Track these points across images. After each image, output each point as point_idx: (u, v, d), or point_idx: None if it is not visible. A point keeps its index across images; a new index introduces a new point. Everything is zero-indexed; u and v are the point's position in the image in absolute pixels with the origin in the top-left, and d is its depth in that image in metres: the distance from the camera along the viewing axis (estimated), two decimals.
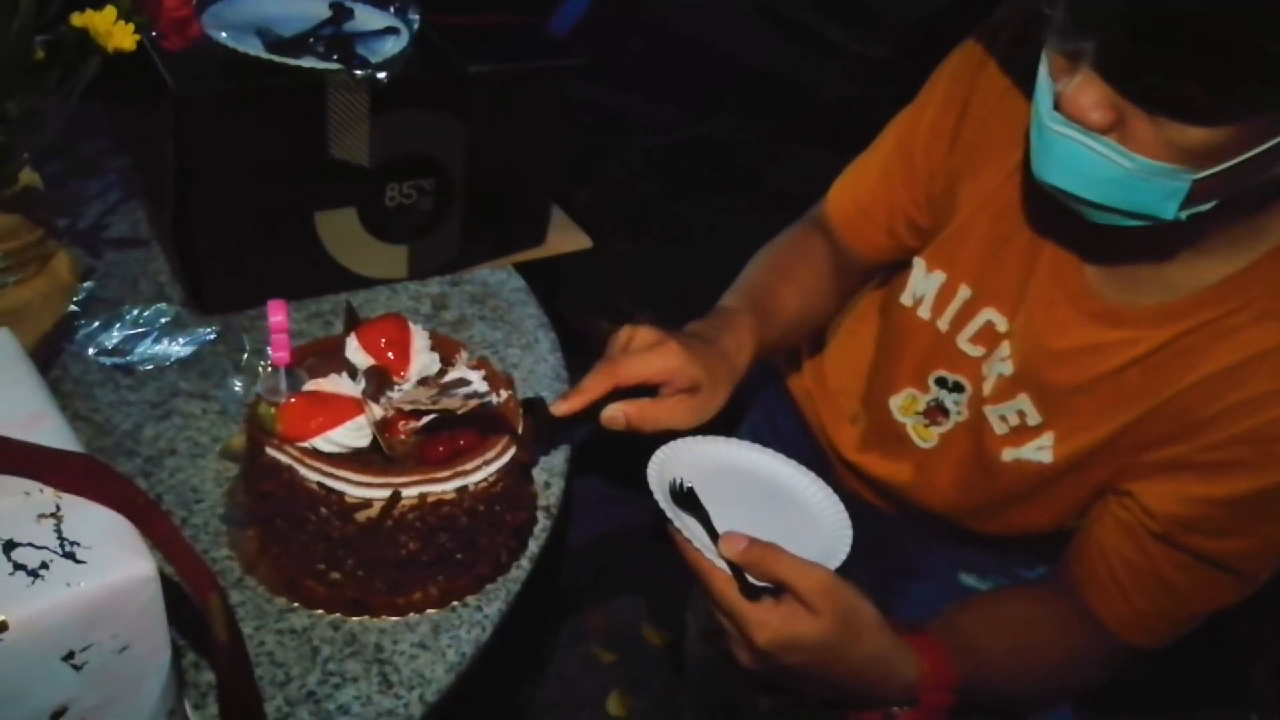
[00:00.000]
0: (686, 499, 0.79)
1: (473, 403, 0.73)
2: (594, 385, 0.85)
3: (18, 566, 0.50)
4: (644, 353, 0.86)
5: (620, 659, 1.79)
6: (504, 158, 1.11)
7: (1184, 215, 0.72)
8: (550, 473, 0.91)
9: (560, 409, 0.85)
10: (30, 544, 0.51)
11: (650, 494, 0.78)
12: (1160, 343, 0.83)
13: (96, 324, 0.96)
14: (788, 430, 1.20)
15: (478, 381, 0.82)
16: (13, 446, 0.56)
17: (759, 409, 1.24)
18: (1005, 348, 0.93)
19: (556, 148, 1.16)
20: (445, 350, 0.84)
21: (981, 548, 1.06)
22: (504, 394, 0.83)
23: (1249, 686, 1.79)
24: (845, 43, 3.37)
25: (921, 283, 1.01)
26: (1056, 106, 0.72)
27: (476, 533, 0.77)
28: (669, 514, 0.76)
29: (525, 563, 0.83)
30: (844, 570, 0.77)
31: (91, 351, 0.94)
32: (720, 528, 0.77)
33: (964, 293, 0.96)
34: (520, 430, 0.80)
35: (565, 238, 1.25)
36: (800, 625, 0.73)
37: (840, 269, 1.10)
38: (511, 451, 0.77)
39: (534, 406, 0.86)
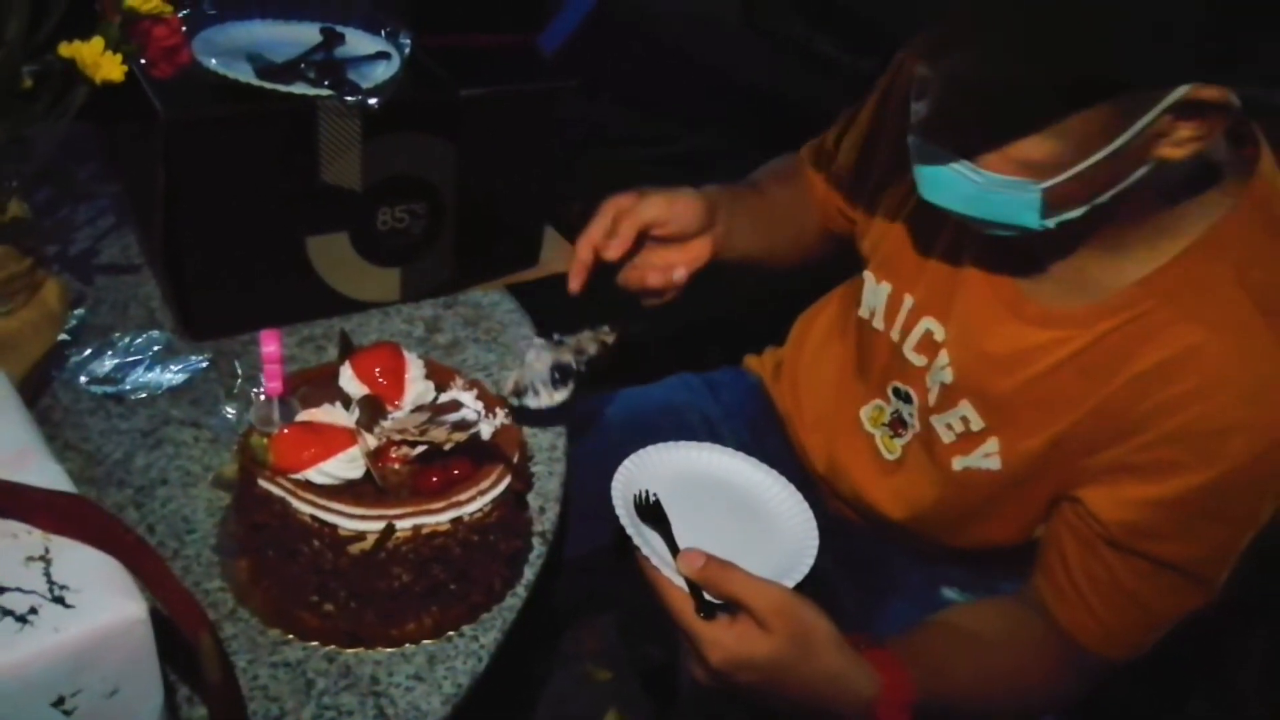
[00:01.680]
0: (652, 511, 0.79)
1: (458, 436, 0.73)
2: (637, 219, 0.96)
3: (5, 612, 0.50)
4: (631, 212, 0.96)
5: (616, 677, 1.78)
6: (496, 179, 1.11)
7: (1052, 224, 0.78)
8: (545, 498, 0.91)
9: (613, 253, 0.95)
10: (19, 589, 0.51)
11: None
12: (1089, 342, 0.84)
13: (88, 351, 0.95)
14: (775, 450, 1.20)
15: (470, 404, 0.81)
16: (0, 487, 0.55)
17: (748, 428, 1.24)
18: (943, 356, 0.95)
19: (548, 167, 1.16)
20: (440, 378, 0.84)
21: (963, 563, 1.06)
22: (499, 414, 0.82)
23: (1236, 691, 1.79)
24: (837, 56, 3.37)
25: (872, 294, 1.03)
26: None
27: (470, 563, 0.76)
28: (629, 531, 0.77)
29: (520, 590, 0.83)
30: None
31: (83, 380, 0.93)
32: (687, 535, 0.78)
33: (908, 302, 0.99)
34: (515, 459, 0.79)
35: (558, 258, 1.24)
36: (753, 645, 0.74)
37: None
38: (506, 481, 0.77)
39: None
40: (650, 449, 0.86)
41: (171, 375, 0.95)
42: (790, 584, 0.76)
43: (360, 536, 0.71)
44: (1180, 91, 0.69)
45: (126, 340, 0.97)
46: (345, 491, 0.73)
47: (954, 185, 0.79)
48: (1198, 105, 0.70)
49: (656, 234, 0.98)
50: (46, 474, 0.59)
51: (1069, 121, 0.72)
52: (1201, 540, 0.81)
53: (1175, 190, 0.79)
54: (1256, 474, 0.78)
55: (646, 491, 0.81)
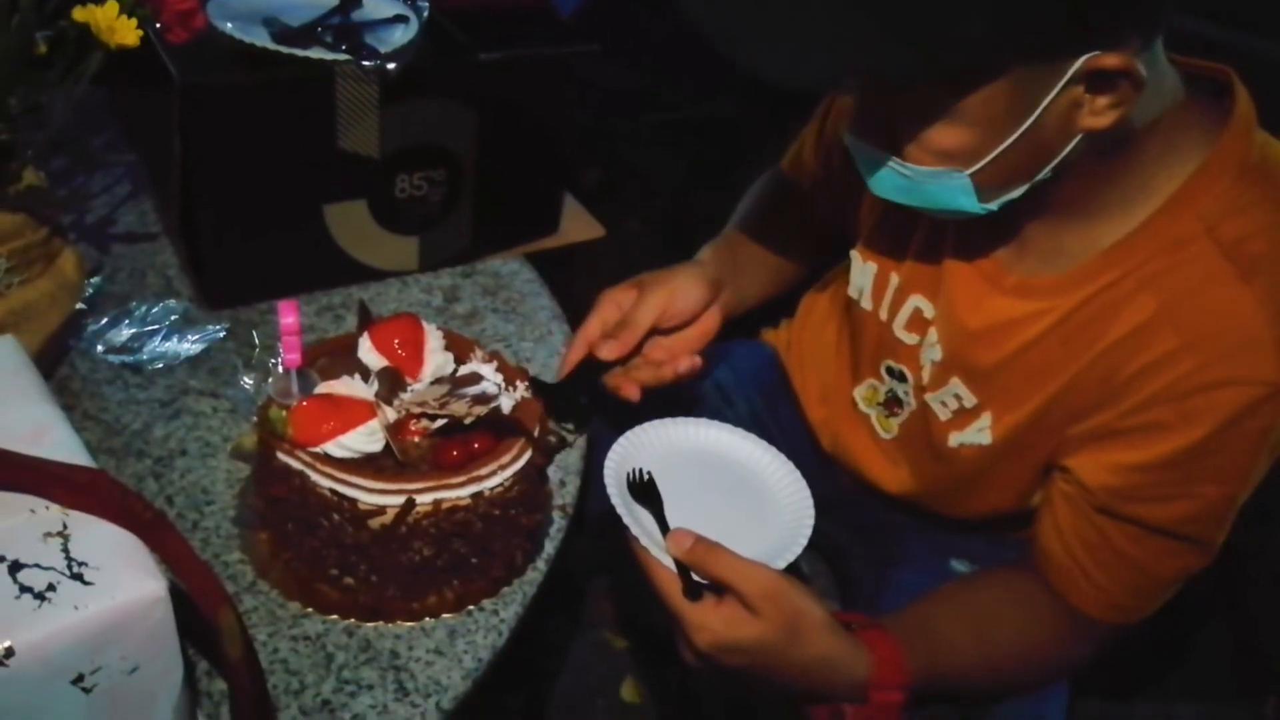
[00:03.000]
0: (645, 489, 0.79)
1: (479, 410, 0.72)
2: (639, 328, 0.91)
3: (24, 589, 0.49)
4: (641, 305, 0.93)
5: (633, 645, 1.78)
6: (515, 145, 1.09)
7: (995, 206, 0.78)
8: (565, 471, 0.90)
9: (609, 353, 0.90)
10: (37, 565, 0.50)
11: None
12: (1068, 311, 0.83)
13: (105, 320, 0.94)
14: (787, 419, 1.19)
15: (490, 376, 0.80)
16: (18, 461, 0.54)
17: (761, 396, 1.23)
18: (933, 333, 0.94)
19: (568, 132, 1.14)
20: (459, 349, 0.83)
21: (971, 533, 1.06)
22: (520, 386, 0.81)
23: (1265, 672, 1.77)
24: None
25: (859, 274, 1.02)
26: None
27: (491, 537, 0.75)
28: (619, 510, 0.76)
29: (541, 564, 0.82)
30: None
31: (100, 349, 0.92)
32: (681, 513, 0.77)
33: (894, 280, 0.98)
34: (536, 432, 0.78)
35: (578, 226, 1.23)
36: (740, 628, 0.73)
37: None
38: (527, 455, 0.76)
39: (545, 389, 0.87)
40: (646, 425, 0.85)
41: (189, 345, 0.94)
42: (783, 564, 0.75)
43: (380, 511, 0.71)
44: (1077, 64, 0.68)
45: (144, 309, 0.96)
46: (365, 465, 0.72)
47: (888, 179, 0.79)
48: (1105, 75, 0.69)
49: (660, 328, 0.94)
50: (66, 446, 0.58)
51: (972, 108, 0.71)
52: (1192, 502, 0.80)
53: (1145, 148, 0.77)
54: (1245, 430, 0.77)
55: (639, 469, 0.81)
